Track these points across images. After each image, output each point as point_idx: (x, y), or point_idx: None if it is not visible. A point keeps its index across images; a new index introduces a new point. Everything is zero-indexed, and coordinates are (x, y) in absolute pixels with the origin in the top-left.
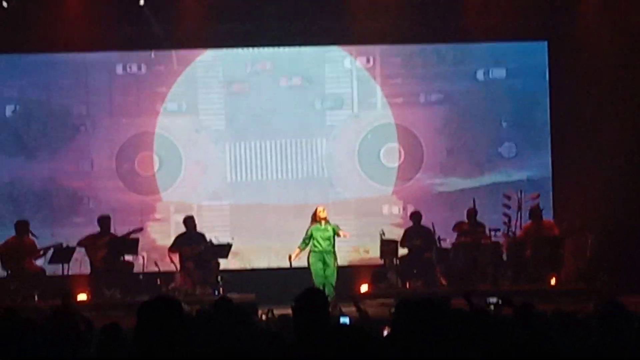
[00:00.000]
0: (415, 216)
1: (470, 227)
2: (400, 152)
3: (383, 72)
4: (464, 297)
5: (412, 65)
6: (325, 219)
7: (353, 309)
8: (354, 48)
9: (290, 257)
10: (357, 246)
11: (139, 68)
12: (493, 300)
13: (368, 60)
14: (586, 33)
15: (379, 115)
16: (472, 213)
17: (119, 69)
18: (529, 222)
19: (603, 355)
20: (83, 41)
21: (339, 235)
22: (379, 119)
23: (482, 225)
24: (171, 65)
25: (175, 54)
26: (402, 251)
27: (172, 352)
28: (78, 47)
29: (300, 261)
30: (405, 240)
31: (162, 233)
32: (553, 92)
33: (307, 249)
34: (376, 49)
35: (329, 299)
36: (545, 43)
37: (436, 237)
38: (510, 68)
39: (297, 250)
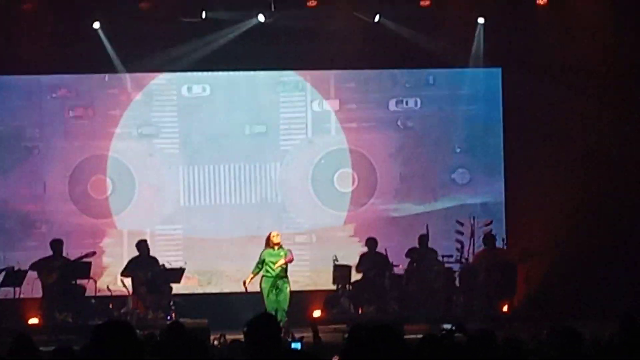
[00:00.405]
0: (371, 242)
1: (422, 254)
2: (354, 177)
3: (337, 96)
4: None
5: (367, 90)
6: (278, 244)
7: (306, 334)
8: (308, 73)
9: (244, 283)
10: (310, 271)
11: (93, 90)
12: (447, 326)
13: (323, 85)
14: (540, 59)
15: (333, 140)
16: (424, 239)
17: (73, 92)
18: (482, 248)
19: None
20: (36, 63)
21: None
22: (333, 144)
23: (435, 252)
24: (125, 89)
25: (129, 77)
26: (356, 276)
27: None
28: (31, 69)
29: (252, 286)
30: (360, 265)
31: (114, 257)
32: (507, 118)
33: (260, 273)
34: (331, 74)
35: (281, 324)
36: (500, 69)
37: (389, 262)
38: (465, 94)
39: (251, 275)
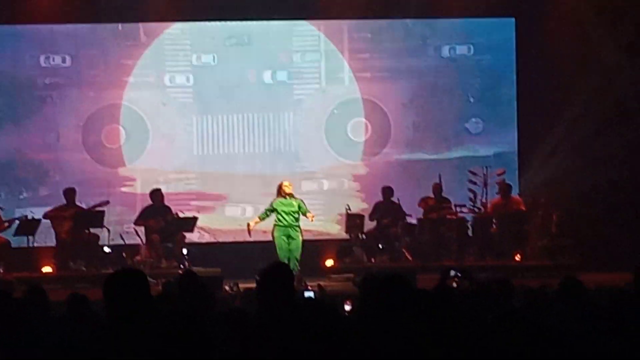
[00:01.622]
0: (387, 190)
1: (436, 203)
2: (367, 126)
3: (351, 46)
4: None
5: (380, 40)
6: (290, 194)
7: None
8: (322, 22)
9: (248, 225)
10: (323, 220)
11: (107, 40)
12: (452, 273)
13: (336, 34)
14: (553, 9)
15: (346, 90)
16: (437, 188)
17: (86, 41)
18: (498, 197)
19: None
20: (50, 13)
21: (305, 216)
22: (346, 94)
23: (448, 201)
24: (138, 38)
25: (142, 27)
26: (369, 226)
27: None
28: (45, 18)
29: (265, 235)
30: (374, 213)
31: (128, 206)
32: (520, 68)
33: (269, 220)
34: (344, 24)
35: (294, 273)
36: (513, 20)
37: (403, 212)
38: (478, 44)
39: (257, 219)
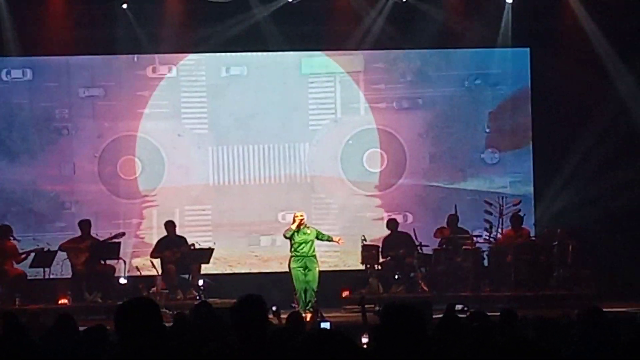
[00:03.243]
0: (392, 223)
1: (451, 233)
2: (383, 157)
3: (366, 77)
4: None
5: (396, 71)
6: (304, 224)
7: (335, 314)
8: (336, 53)
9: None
10: (339, 251)
11: (122, 71)
12: (459, 307)
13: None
14: (568, 39)
15: (361, 120)
16: (453, 219)
17: (102, 72)
18: (509, 228)
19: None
20: (66, 44)
21: (331, 241)
22: (361, 124)
23: (465, 231)
24: (154, 69)
25: (157, 58)
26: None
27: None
28: (61, 50)
29: (281, 266)
30: (385, 249)
31: (143, 238)
32: (535, 98)
33: (285, 251)
34: (359, 54)
35: (311, 304)
36: (528, 49)
37: (417, 243)
38: (493, 74)
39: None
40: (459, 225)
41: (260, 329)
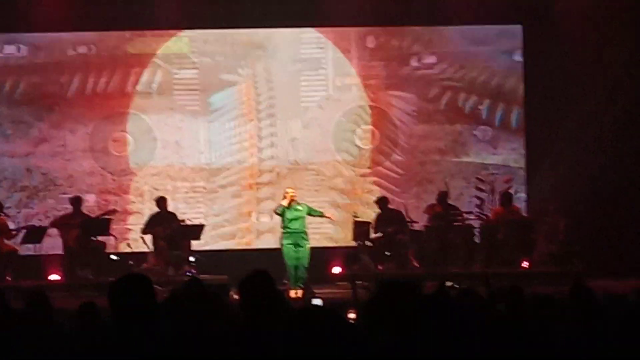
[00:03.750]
0: (382, 201)
1: (442, 210)
2: (374, 134)
3: (359, 54)
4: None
5: (388, 48)
6: (295, 200)
7: (326, 290)
8: (329, 30)
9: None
10: (330, 228)
11: (115, 48)
12: (448, 284)
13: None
14: (561, 17)
15: (353, 97)
16: (444, 196)
17: (95, 49)
18: (499, 205)
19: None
20: (59, 21)
21: (323, 217)
22: (354, 101)
23: (456, 208)
24: (145, 46)
25: (150, 34)
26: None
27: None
28: (53, 27)
29: (272, 242)
30: (377, 226)
31: (135, 214)
32: (527, 75)
33: (277, 226)
34: (351, 31)
35: (302, 280)
36: (520, 26)
37: (408, 219)
38: (486, 51)
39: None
40: (450, 202)
41: (273, 306)
